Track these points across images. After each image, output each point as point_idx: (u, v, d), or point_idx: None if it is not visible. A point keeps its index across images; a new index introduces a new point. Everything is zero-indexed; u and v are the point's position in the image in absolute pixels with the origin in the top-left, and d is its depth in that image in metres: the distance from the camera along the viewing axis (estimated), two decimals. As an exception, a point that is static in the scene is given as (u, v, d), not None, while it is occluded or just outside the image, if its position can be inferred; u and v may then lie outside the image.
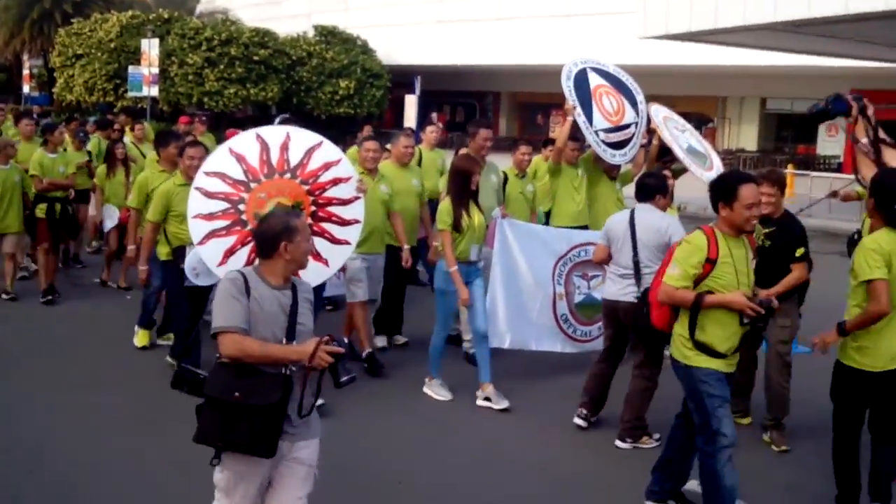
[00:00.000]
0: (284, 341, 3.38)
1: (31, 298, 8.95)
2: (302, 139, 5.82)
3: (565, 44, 30.91)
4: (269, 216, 3.55)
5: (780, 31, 15.48)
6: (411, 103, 23.55)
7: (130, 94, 31.47)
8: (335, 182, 5.80)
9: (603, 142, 7.45)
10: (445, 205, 6.18)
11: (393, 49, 37.26)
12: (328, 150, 5.87)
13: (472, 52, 35.19)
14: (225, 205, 5.60)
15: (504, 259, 6.74)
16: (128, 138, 11.33)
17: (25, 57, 40.35)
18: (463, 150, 7.99)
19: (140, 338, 7.50)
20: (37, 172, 9.01)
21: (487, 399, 6.36)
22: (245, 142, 5.78)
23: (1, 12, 38.36)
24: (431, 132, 10.07)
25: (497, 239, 6.74)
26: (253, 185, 5.64)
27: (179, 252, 6.42)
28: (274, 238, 3.38)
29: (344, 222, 5.84)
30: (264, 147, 5.69)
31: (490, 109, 41.41)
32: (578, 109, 7.47)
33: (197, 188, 5.69)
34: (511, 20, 34.95)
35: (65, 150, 9.81)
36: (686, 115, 32.75)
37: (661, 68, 29.51)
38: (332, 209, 5.80)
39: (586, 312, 7.02)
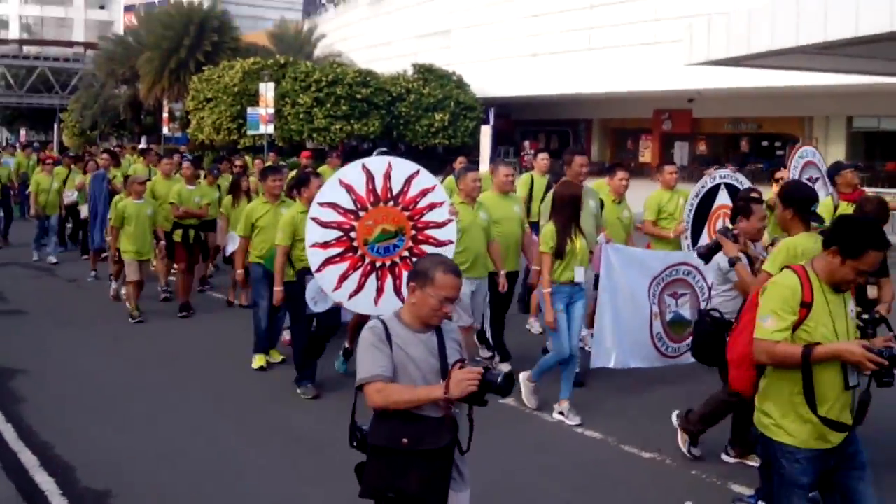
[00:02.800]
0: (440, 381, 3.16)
1: (169, 313, 9.94)
2: (402, 168, 6.11)
3: (654, 70, 31.44)
4: (421, 258, 3.44)
5: (809, 54, 15.65)
6: (486, 133, 24.57)
7: (250, 132, 34.21)
8: (431, 207, 6.14)
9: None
10: (549, 229, 6.21)
11: (491, 82, 38.66)
12: (424, 178, 6.16)
13: (564, 82, 36.22)
14: (338, 233, 5.92)
15: (609, 283, 6.74)
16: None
17: (165, 101, 44.12)
18: (563, 178, 8.18)
19: (257, 360, 7.78)
20: (175, 201, 9.98)
21: (562, 413, 6.40)
22: (352, 172, 6.04)
23: (145, 63, 42.30)
24: (542, 159, 9.96)
25: (602, 264, 6.77)
26: (361, 213, 5.95)
27: (301, 274, 6.67)
28: (410, 276, 3.28)
29: (439, 243, 6.18)
30: (369, 177, 5.97)
31: (583, 136, 42.08)
32: (687, 233, 7.73)
33: (312, 218, 5.99)
34: (602, 50, 35.75)
35: (200, 183, 10.73)
36: (773, 137, 32.59)
37: (746, 91, 29.55)
38: (430, 232, 6.19)
39: (676, 329, 6.97)
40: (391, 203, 6.01)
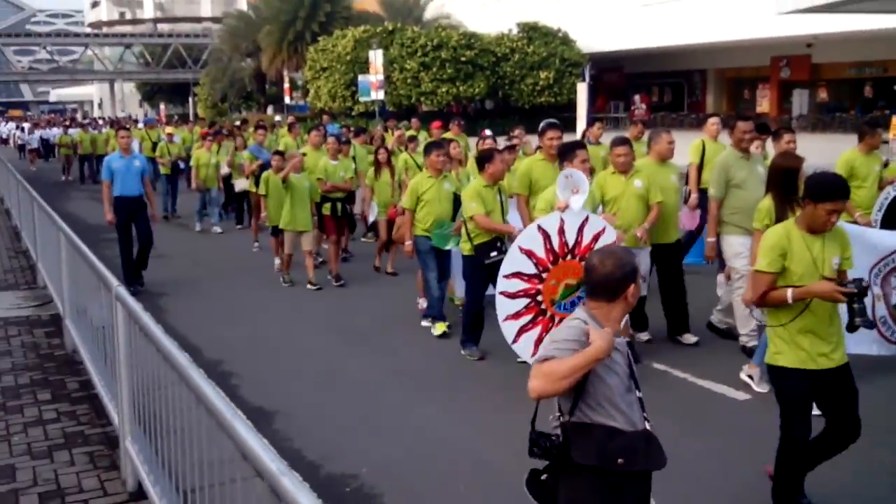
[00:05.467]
0: (636, 391, 3.03)
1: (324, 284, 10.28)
2: (572, 220, 6.08)
3: (771, 17, 31.54)
4: (610, 256, 3.10)
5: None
6: (582, 90, 26.15)
7: (362, 98, 37.15)
8: None
9: None
10: (766, 204, 5.82)
11: (600, 36, 39.85)
12: (594, 223, 6.16)
13: (676, 32, 36.51)
14: (526, 300, 5.99)
15: None
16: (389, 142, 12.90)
17: (286, 72, 47.96)
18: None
19: (438, 328, 7.96)
20: (322, 177, 10.43)
21: (750, 377, 6.29)
22: (530, 236, 6.08)
23: (265, 36, 45.94)
24: (713, 124, 9.46)
25: None
26: (544, 275, 6.02)
27: (480, 248, 6.99)
28: (623, 280, 3.01)
29: None
30: (546, 236, 6.01)
31: (698, 87, 42.43)
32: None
33: (500, 292, 6.06)
34: (714, -4, 36.21)
35: (342, 157, 10.97)
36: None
37: (869, 33, 29.41)
38: None
39: None
40: (569, 257, 6.08)
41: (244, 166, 13.66)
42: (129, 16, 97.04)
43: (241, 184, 14.06)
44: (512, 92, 37.89)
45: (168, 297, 9.86)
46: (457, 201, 7.82)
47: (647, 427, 2.99)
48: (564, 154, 6.79)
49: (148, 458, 4.07)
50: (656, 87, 44.15)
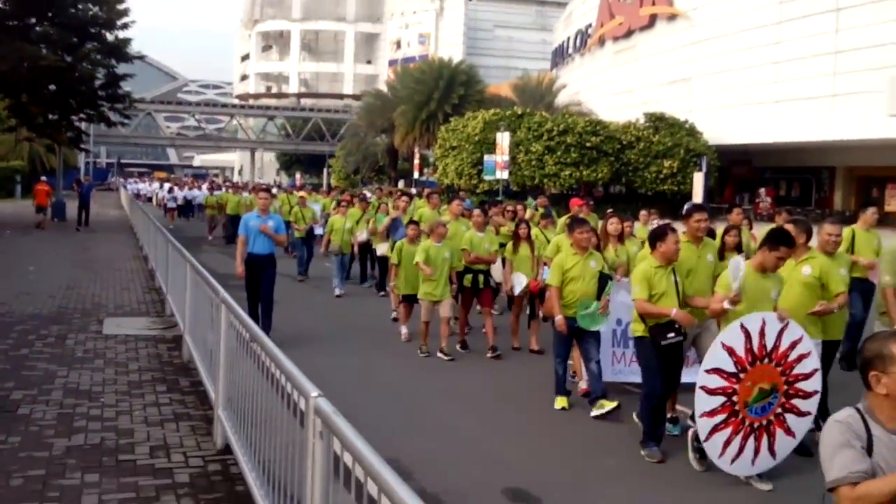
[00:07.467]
0: None
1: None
2: (772, 322, 6.09)
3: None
4: (869, 339, 3.01)
5: None
6: (698, 181, 26.86)
7: (486, 177, 39.07)
8: (800, 359, 6.16)
9: None
10: None
11: (727, 130, 40.72)
12: (793, 330, 6.15)
13: (807, 129, 37.30)
14: (723, 399, 6.01)
15: None
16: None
17: (416, 149, 50.78)
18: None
19: (558, 402, 7.88)
20: (467, 247, 10.59)
21: None
22: (732, 334, 6.02)
23: (399, 115, 49.18)
24: (873, 214, 9.63)
25: None
26: (741, 375, 6.00)
27: (655, 330, 6.60)
28: (863, 366, 2.89)
29: (807, 395, 6.23)
30: (747, 336, 5.99)
31: (826, 184, 42.30)
32: None
33: (701, 387, 6.01)
34: (847, 96, 36.45)
35: (488, 230, 11.25)
36: None
37: None
38: (799, 385, 6.19)
39: None
40: (766, 360, 6.08)
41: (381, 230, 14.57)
42: (275, 90, 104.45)
43: (381, 248, 14.61)
44: (635, 178, 39.18)
45: (283, 340, 10.80)
46: (602, 279, 7.90)
47: None
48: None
49: (234, 426, 5.32)
50: (784, 182, 44.25)
